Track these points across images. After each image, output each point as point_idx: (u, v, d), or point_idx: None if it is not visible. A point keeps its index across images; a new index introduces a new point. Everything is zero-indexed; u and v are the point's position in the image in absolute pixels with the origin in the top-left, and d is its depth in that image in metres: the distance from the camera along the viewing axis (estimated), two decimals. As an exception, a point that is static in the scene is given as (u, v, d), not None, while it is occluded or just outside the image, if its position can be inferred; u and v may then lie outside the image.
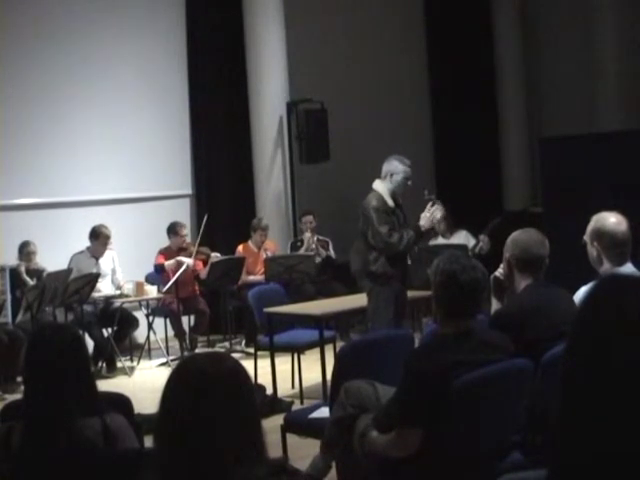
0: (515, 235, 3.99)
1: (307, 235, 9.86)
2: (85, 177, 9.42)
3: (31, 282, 8.24)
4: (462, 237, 9.69)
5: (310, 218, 9.94)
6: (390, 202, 6.34)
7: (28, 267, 8.40)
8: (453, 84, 12.04)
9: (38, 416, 2.81)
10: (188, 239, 9.42)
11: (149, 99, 9.96)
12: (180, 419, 1.87)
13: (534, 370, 3.55)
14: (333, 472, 4.21)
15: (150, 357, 9.05)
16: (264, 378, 6.88)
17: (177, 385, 1.91)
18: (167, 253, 9.12)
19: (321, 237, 10.03)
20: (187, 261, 8.83)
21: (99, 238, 8.76)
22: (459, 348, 3.42)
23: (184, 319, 9.13)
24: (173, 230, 9.22)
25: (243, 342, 9.34)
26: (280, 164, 10.18)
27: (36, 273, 8.39)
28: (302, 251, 9.73)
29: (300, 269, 8.94)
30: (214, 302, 9.37)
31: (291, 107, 10.16)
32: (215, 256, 9.05)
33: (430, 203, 6.53)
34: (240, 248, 9.57)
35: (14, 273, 8.27)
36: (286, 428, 4.73)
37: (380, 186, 6.38)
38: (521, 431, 3.63)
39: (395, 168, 6.38)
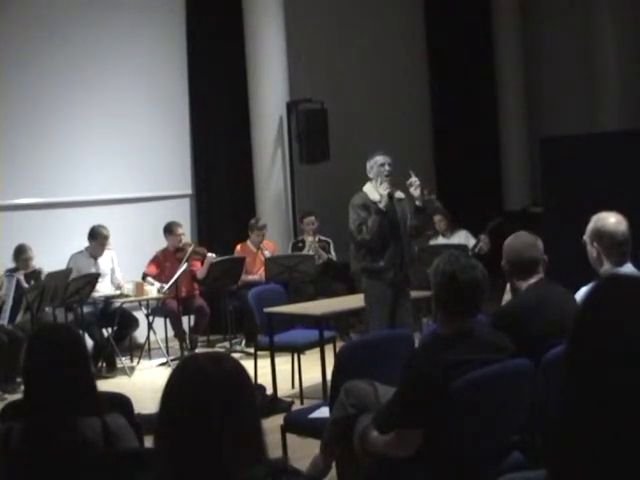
0: (507, 242, 4.03)
1: (309, 239, 9.83)
2: (85, 177, 9.41)
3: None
4: (462, 237, 9.69)
5: (312, 219, 9.89)
6: (375, 197, 6.51)
7: (26, 272, 8.38)
8: (453, 84, 12.04)
9: (38, 416, 2.81)
10: (186, 238, 9.42)
11: (149, 99, 9.94)
12: (180, 419, 1.87)
13: (535, 370, 3.55)
14: (333, 472, 4.21)
15: (150, 357, 9.05)
16: (264, 378, 6.87)
17: (177, 385, 1.91)
18: (158, 261, 9.14)
19: (322, 237, 10.01)
20: (158, 287, 8.88)
21: (97, 238, 8.75)
22: (459, 348, 3.42)
23: (184, 319, 9.13)
24: (169, 229, 9.24)
25: (243, 342, 9.33)
26: (280, 164, 10.17)
27: (33, 275, 8.37)
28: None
29: (300, 269, 8.93)
30: (214, 302, 9.36)
31: (291, 107, 10.15)
32: (211, 256, 9.04)
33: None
34: (238, 248, 9.56)
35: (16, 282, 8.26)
36: (286, 428, 4.72)
37: (367, 185, 6.64)
38: (521, 431, 3.63)
39: (370, 162, 6.66)
